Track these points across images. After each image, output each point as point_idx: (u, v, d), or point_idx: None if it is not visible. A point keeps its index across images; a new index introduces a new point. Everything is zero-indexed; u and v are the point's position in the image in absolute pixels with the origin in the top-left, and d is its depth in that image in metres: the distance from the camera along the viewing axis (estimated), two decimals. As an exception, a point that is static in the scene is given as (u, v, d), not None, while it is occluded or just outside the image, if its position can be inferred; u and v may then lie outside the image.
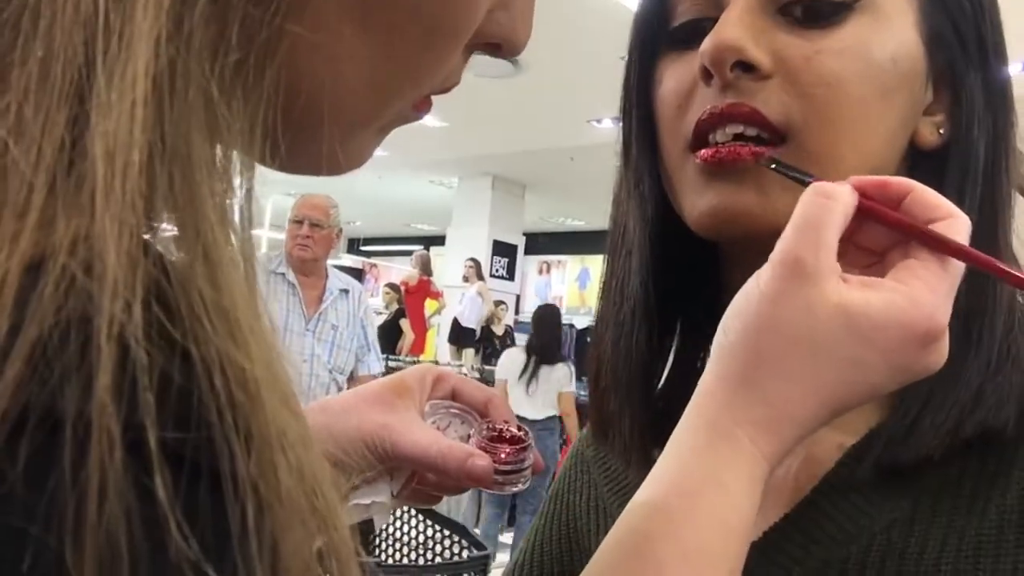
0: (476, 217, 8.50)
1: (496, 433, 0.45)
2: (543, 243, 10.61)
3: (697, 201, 0.43)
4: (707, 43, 0.41)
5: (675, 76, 0.45)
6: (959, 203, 0.43)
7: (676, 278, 0.49)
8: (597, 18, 3.88)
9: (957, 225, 0.35)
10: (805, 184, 0.38)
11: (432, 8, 0.25)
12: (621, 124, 0.51)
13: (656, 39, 0.47)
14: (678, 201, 0.46)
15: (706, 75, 0.42)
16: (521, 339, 8.51)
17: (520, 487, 0.44)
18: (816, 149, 0.41)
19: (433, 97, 0.29)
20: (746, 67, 0.41)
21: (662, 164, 0.47)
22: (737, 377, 0.34)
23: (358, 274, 14.02)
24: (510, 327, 7.86)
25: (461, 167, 8.29)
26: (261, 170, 0.24)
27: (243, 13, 0.21)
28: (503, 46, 0.29)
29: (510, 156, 7.50)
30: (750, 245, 0.45)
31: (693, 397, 0.36)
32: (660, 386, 0.51)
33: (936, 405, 0.40)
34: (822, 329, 0.33)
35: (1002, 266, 0.35)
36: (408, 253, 9.18)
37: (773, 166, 0.40)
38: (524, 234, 9.05)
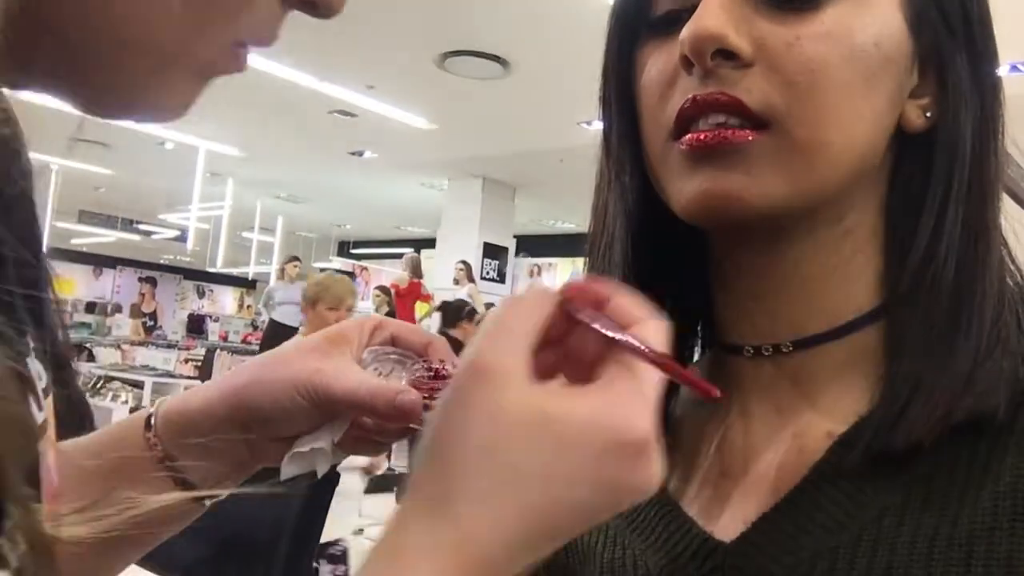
0: (466, 219, 8.49)
1: (432, 372, 0.45)
2: (534, 245, 10.61)
3: (684, 187, 0.42)
4: (687, 31, 0.41)
5: (656, 64, 0.44)
6: (946, 187, 0.43)
7: (662, 268, 0.49)
8: (586, 20, 3.89)
9: (648, 329, 0.33)
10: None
11: None
12: (601, 113, 0.50)
13: (636, 26, 0.46)
14: (664, 189, 0.45)
15: (687, 63, 0.41)
16: (512, 341, 8.49)
17: None
18: (801, 136, 0.40)
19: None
20: (727, 55, 0.40)
21: (645, 153, 0.46)
22: (422, 496, 0.30)
23: (349, 277, 13.97)
24: (501, 329, 7.84)
25: (451, 169, 8.28)
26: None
27: None
28: (317, 4, 0.29)
29: (500, 158, 7.50)
30: (739, 230, 0.44)
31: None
32: None
33: (926, 391, 0.40)
34: (513, 439, 0.29)
35: (690, 376, 0.33)
36: (398, 256, 9.16)
37: None
38: (515, 236, 9.05)
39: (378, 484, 5.68)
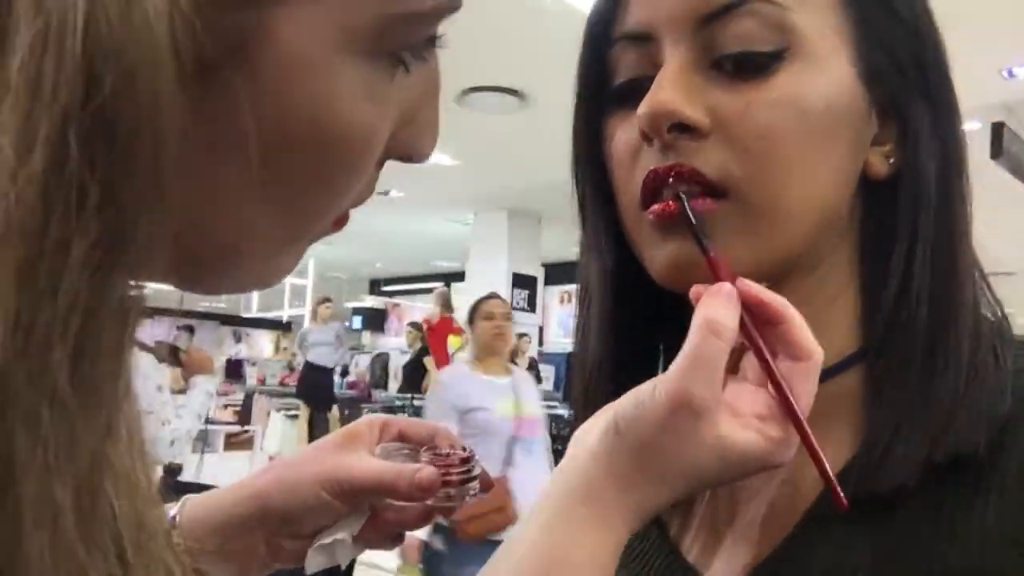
0: (494, 251, 8.53)
1: (444, 455, 0.49)
2: (563, 272, 10.61)
3: (656, 255, 0.44)
4: (643, 107, 0.42)
5: (622, 136, 0.45)
6: (913, 231, 0.43)
7: (650, 311, 0.50)
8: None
9: (808, 370, 0.39)
10: (703, 247, 0.40)
11: (331, 171, 0.26)
12: (573, 181, 0.51)
13: (600, 95, 0.48)
14: (639, 253, 0.46)
15: (646, 137, 0.43)
16: (546, 371, 8.47)
17: (471, 497, 0.49)
18: (760, 201, 0.41)
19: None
20: (683, 127, 0.41)
21: (621, 218, 0.47)
22: (625, 477, 0.39)
23: (381, 315, 14.08)
24: (534, 359, 7.83)
25: (476, 203, 8.35)
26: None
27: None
28: (412, 158, 0.30)
29: (523, 189, 7.55)
30: None
31: (582, 473, 0.39)
32: None
33: (905, 434, 0.40)
34: (700, 459, 0.38)
35: (828, 475, 0.39)
36: (429, 291, 9.22)
37: (682, 198, 0.42)
38: (543, 265, 9.07)
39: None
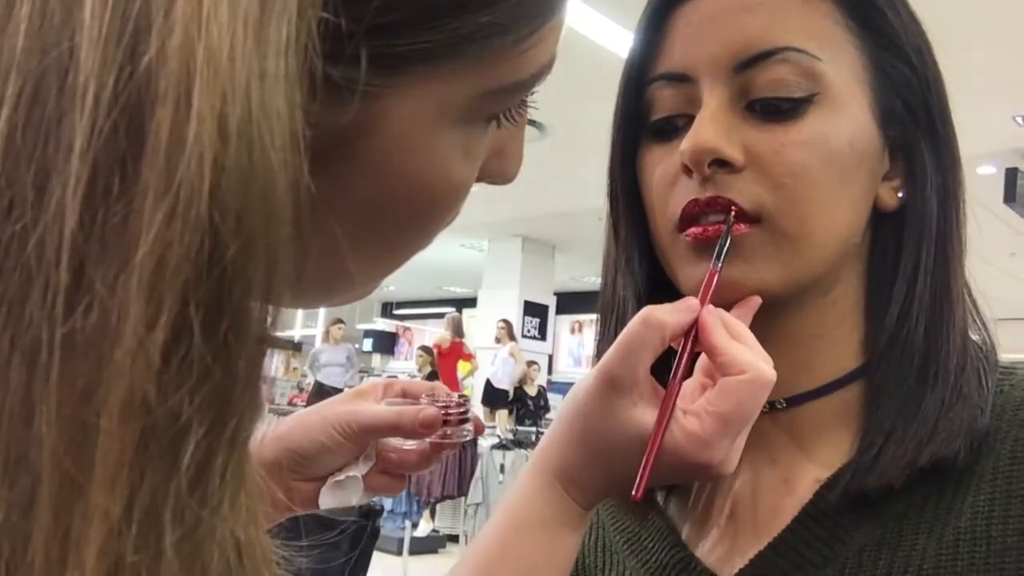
0: (507, 278, 8.56)
1: (441, 402, 0.55)
2: (574, 302, 10.62)
3: (692, 273, 0.48)
4: (686, 144, 0.46)
5: (660, 167, 0.50)
6: (916, 257, 0.48)
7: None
8: (615, 81, 3.97)
9: (740, 383, 0.41)
10: (717, 261, 0.45)
11: (429, 221, 0.28)
12: (609, 208, 0.55)
13: (636, 131, 0.52)
14: (673, 272, 0.50)
15: (687, 170, 0.47)
16: (555, 399, 8.45)
17: (466, 437, 0.54)
18: (789, 229, 0.46)
19: None
20: (721, 163, 0.46)
21: (654, 240, 0.51)
22: (561, 458, 0.44)
23: (392, 338, 14.11)
24: (543, 388, 7.81)
25: (491, 230, 8.41)
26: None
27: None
28: (497, 182, 0.33)
29: (539, 218, 7.60)
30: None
31: (534, 458, 0.46)
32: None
33: (896, 440, 0.45)
34: (619, 441, 0.42)
35: (647, 463, 0.42)
36: (441, 316, 9.24)
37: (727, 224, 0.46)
38: (555, 294, 9.08)
39: (423, 545, 5.62)
